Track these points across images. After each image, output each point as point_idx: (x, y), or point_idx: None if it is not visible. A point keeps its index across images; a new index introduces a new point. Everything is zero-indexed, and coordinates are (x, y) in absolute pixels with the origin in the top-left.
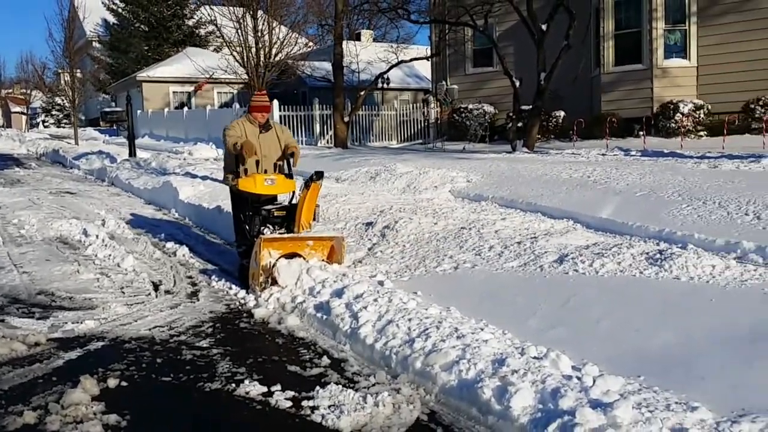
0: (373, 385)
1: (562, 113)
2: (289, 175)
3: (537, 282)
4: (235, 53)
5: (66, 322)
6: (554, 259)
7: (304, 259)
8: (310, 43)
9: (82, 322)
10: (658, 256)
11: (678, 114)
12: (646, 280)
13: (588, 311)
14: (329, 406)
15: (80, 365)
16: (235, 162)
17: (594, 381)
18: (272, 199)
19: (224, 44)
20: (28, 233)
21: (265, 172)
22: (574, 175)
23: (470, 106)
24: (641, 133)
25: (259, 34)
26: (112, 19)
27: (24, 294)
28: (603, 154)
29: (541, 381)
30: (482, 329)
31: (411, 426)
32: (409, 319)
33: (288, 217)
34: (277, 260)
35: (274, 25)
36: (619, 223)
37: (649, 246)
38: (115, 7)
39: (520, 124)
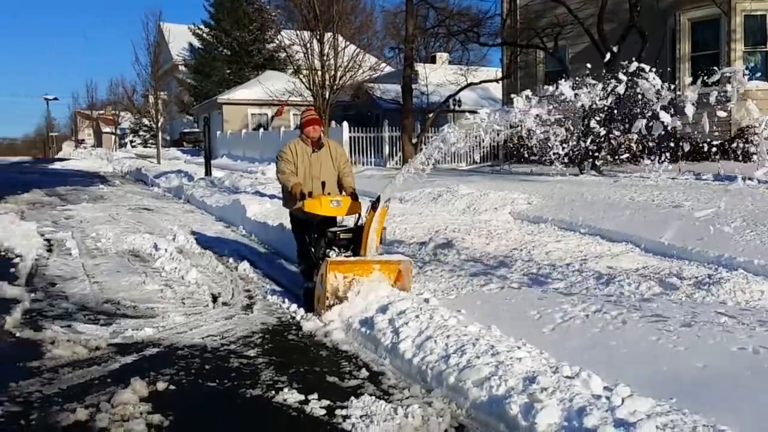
0: (407, 398)
1: (635, 136)
2: (355, 197)
3: (580, 303)
4: (301, 76)
5: (126, 329)
6: (601, 282)
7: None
8: (383, 65)
9: (141, 330)
10: (706, 280)
11: (755, 137)
12: (691, 304)
13: (629, 333)
14: (361, 416)
15: (134, 369)
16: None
17: (623, 401)
18: (333, 220)
19: (293, 67)
20: (103, 246)
21: (329, 194)
22: (639, 198)
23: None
24: (717, 157)
25: (325, 57)
26: (197, 43)
27: (92, 302)
28: (673, 178)
29: (569, 399)
30: (519, 348)
31: None
32: (448, 336)
33: (354, 240)
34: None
35: (342, 47)
36: (677, 248)
37: (699, 270)
38: (200, 32)
39: (589, 147)
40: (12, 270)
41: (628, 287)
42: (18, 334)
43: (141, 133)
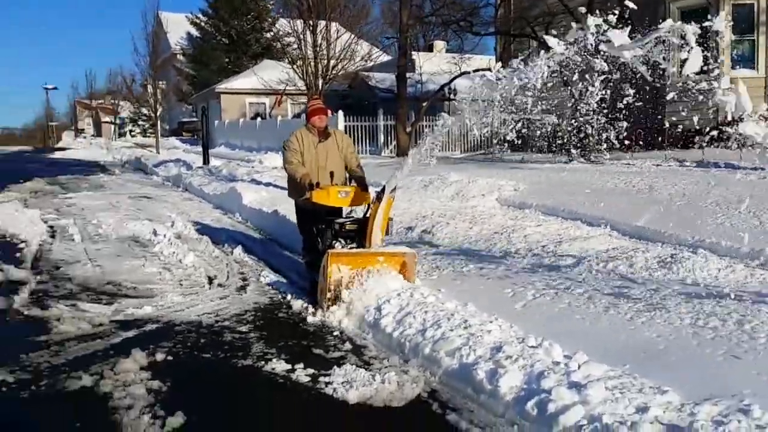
0: (386, 367)
1: (625, 124)
2: (365, 187)
3: (551, 281)
4: (295, 66)
5: (127, 308)
6: (572, 262)
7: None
8: (377, 54)
9: (141, 308)
10: (669, 259)
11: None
12: (653, 281)
13: (592, 308)
14: (342, 382)
15: (134, 342)
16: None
17: (579, 367)
18: (339, 210)
19: (288, 58)
20: (104, 232)
21: (336, 184)
22: (620, 184)
23: (532, 118)
24: (704, 144)
25: (318, 48)
26: (195, 32)
27: (95, 284)
28: (657, 165)
29: (531, 365)
30: (491, 322)
31: (411, 400)
32: (426, 312)
33: (360, 231)
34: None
35: (335, 37)
36: (652, 231)
37: (665, 250)
38: (198, 21)
39: (579, 135)
40: (18, 255)
41: (596, 266)
42: (26, 312)
43: (140, 122)
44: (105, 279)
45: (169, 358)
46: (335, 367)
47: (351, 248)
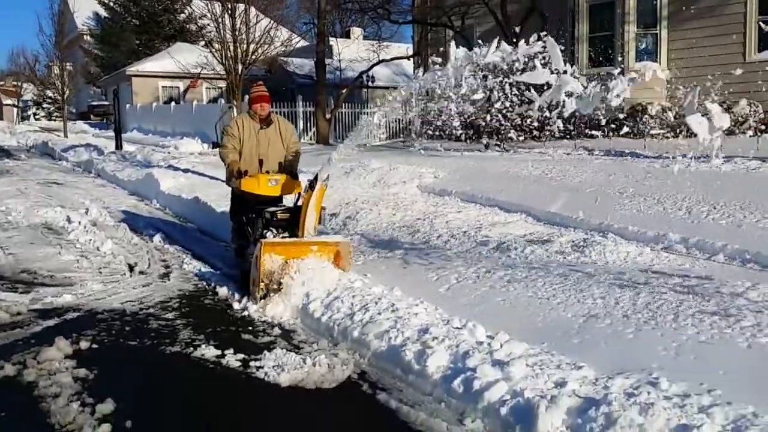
0: (316, 350)
1: (538, 114)
2: (294, 176)
3: (473, 265)
4: (213, 50)
5: (46, 296)
6: (493, 246)
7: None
8: (296, 39)
9: (60, 296)
10: (582, 243)
11: (646, 116)
12: (567, 264)
13: (512, 290)
14: (273, 366)
15: (56, 331)
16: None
17: (501, 345)
18: (275, 200)
19: (205, 41)
20: (14, 219)
21: (267, 172)
22: (534, 172)
23: (450, 106)
24: (610, 134)
25: (237, 32)
26: (103, 12)
27: (8, 272)
28: (568, 154)
29: (456, 345)
30: (417, 305)
31: (342, 382)
32: (353, 296)
33: (292, 221)
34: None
35: (255, 21)
36: (565, 216)
37: (577, 235)
38: (106, 1)
39: (492, 124)
40: None
41: (515, 251)
42: None
43: (45, 105)
44: (19, 267)
45: (94, 346)
46: (265, 351)
47: (283, 237)
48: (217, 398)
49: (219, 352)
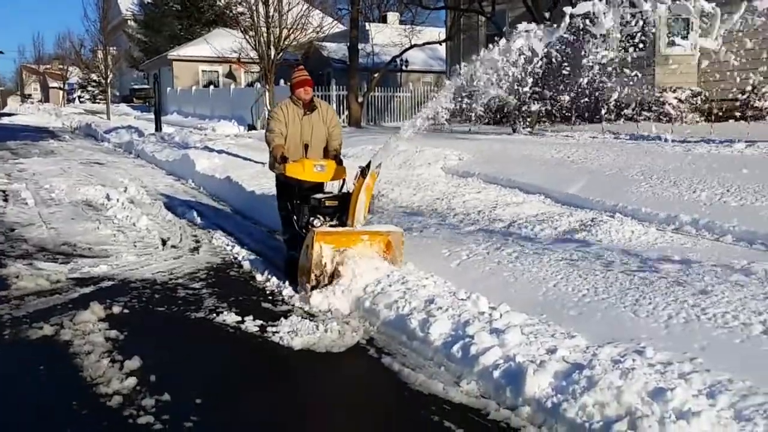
0: (329, 318)
1: (567, 98)
2: (340, 161)
3: (484, 242)
4: (247, 36)
5: (83, 266)
6: (504, 225)
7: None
8: (330, 24)
9: (97, 267)
10: (589, 223)
11: (675, 100)
12: (573, 241)
13: (519, 265)
14: (288, 332)
15: (91, 297)
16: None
17: (501, 316)
18: (320, 186)
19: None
20: (57, 197)
21: (311, 158)
22: (557, 155)
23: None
24: (639, 118)
25: (270, 18)
26: None
27: (50, 245)
28: (594, 137)
29: (458, 315)
30: (427, 278)
31: (351, 347)
32: None
33: (340, 208)
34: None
35: (287, 9)
36: (582, 198)
37: (587, 215)
38: None
39: (522, 108)
40: None
41: (524, 229)
42: None
43: (90, 88)
44: (60, 240)
45: (126, 311)
46: (282, 318)
47: (332, 226)
48: (234, 358)
49: (239, 318)
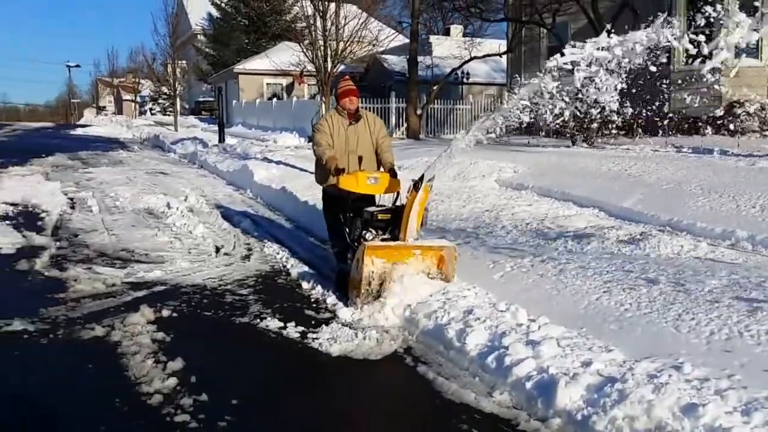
0: (369, 327)
1: (630, 110)
2: (394, 174)
3: (529, 255)
4: (304, 49)
5: (139, 271)
6: (551, 237)
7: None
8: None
9: (151, 272)
10: (638, 237)
11: (743, 113)
12: (619, 255)
13: (562, 278)
14: (327, 338)
15: (143, 301)
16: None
17: (539, 328)
18: (372, 198)
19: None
20: (121, 204)
21: (365, 170)
22: (615, 168)
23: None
24: (706, 131)
25: (327, 32)
26: (216, 13)
27: (110, 250)
28: (655, 151)
29: (496, 326)
30: (468, 289)
31: (388, 355)
32: None
33: (393, 221)
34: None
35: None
36: (636, 212)
37: (636, 229)
38: (219, 2)
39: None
40: (39, 223)
41: (572, 242)
42: (46, 273)
43: (160, 101)
44: (119, 246)
45: (174, 314)
46: (323, 325)
47: (384, 240)
48: (273, 363)
49: (282, 324)
